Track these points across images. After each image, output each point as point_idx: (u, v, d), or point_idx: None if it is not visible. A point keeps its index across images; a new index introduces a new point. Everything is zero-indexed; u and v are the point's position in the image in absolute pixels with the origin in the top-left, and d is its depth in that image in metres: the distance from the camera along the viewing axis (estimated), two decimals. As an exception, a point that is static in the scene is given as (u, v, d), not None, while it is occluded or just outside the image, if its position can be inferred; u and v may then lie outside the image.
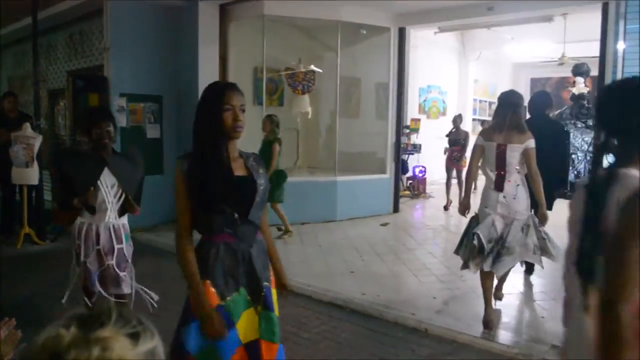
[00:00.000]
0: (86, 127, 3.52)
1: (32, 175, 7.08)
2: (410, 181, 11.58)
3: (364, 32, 9.11)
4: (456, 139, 10.11)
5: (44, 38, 9.42)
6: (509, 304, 5.01)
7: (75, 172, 3.49)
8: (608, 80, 6.83)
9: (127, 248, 3.60)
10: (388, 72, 9.26)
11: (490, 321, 4.30)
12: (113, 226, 3.51)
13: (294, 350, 4.04)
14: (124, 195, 3.54)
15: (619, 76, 6.71)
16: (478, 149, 4.39)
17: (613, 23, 6.75)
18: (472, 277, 5.54)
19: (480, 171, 4.47)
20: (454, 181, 10.08)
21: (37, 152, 7.07)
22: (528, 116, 5.52)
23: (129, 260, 3.60)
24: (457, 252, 4.53)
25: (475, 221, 4.35)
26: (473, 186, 4.69)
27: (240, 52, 8.92)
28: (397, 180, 9.61)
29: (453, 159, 10.04)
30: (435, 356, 3.96)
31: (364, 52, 9.65)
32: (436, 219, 9.48)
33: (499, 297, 4.82)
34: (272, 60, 8.77)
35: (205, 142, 2.22)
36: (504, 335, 4.27)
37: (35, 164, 7.05)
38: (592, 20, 7.62)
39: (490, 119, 15.18)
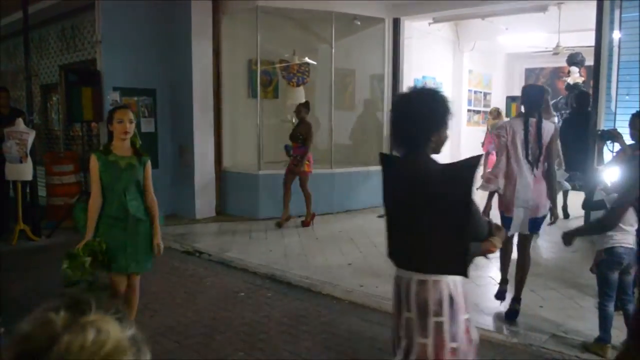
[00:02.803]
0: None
1: (25, 170, 7.02)
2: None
3: (358, 23, 9.05)
4: (295, 135, 7.66)
5: (35, 32, 9.33)
6: (507, 293, 5.01)
7: None
8: (604, 69, 6.82)
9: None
10: (383, 64, 9.22)
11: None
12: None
13: (293, 342, 4.03)
14: None
15: (614, 65, 6.70)
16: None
17: (608, 12, 6.73)
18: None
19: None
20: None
21: (31, 148, 7.02)
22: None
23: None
24: None
25: None
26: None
27: (233, 45, 8.86)
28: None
29: (293, 163, 7.59)
30: (435, 347, 3.96)
31: (359, 44, 9.60)
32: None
33: None
34: (266, 52, 8.72)
35: None
36: (503, 325, 4.27)
37: (29, 160, 6.99)
38: (587, 9, 7.60)
39: (484, 109, 15.21)
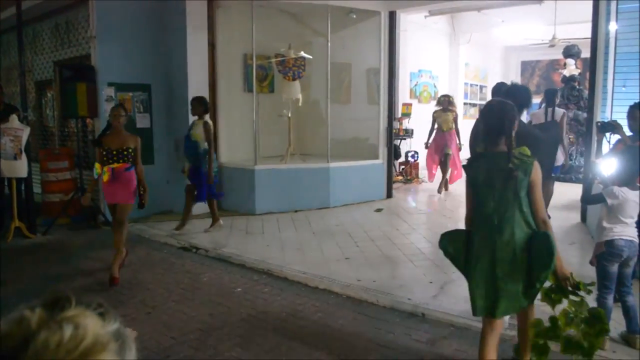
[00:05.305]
0: None
1: (20, 167, 6.98)
2: (403, 166, 11.55)
3: (354, 16, 9.01)
4: (120, 152, 5.26)
5: (29, 28, 9.26)
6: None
7: None
8: (600, 61, 6.80)
9: None
10: (379, 57, 9.18)
11: None
12: None
13: (290, 338, 4.02)
14: None
15: (611, 57, 6.68)
16: None
17: (605, 3, 6.70)
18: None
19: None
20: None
21: (26, 144, 6.97)
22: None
23: None
24: None
25: None
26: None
27: (229, 39, 8.80)
28: (390, 165, 9.58)
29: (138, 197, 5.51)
30: (433, 340, 3.95)
31: (354, 37, 9.56)
32: (430, 204, 9.48)
33: None
34: (261, 46, 8.66)
35: None
36: (503, 318, 4.25)
37: (24, 156, 6.95)
38: (583, 1, 7.57)
39: (480, 102, 15.20)
